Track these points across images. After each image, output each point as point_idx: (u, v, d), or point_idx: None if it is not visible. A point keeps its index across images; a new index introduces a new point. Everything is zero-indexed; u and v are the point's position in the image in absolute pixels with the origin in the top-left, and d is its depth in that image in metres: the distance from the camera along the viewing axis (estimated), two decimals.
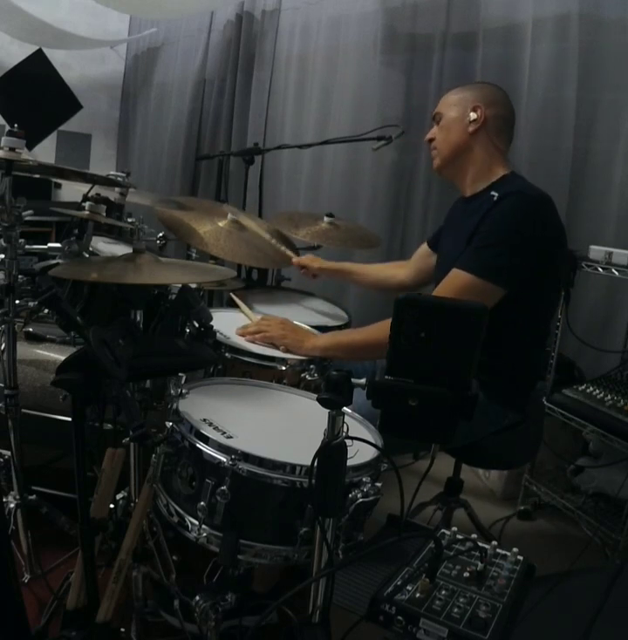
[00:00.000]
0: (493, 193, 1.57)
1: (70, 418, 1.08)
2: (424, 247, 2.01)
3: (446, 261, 1.77)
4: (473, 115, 1.64)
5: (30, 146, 4.06)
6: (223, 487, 1.05)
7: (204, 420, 1.18)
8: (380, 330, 1.59)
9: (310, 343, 1.63)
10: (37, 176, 1.84)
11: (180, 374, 1.24)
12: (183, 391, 1.23)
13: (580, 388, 2.09)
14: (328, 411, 0.95)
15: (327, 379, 0.93)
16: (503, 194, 1.54)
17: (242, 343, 1.61)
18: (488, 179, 1.65)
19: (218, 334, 1.55)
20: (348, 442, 0.97)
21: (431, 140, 1.76)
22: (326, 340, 1.66)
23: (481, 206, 1.58)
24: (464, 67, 2.66)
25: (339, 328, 2.03)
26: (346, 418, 0.96)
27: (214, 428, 1.16)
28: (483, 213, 1.54)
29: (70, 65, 4.52)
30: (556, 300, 1.68)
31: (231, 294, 2.00)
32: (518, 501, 2.36)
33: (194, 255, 2.32)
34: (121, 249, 2.08)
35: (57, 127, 4.48)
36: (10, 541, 1.31)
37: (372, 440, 1.18)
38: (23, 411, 1.60)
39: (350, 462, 0.99)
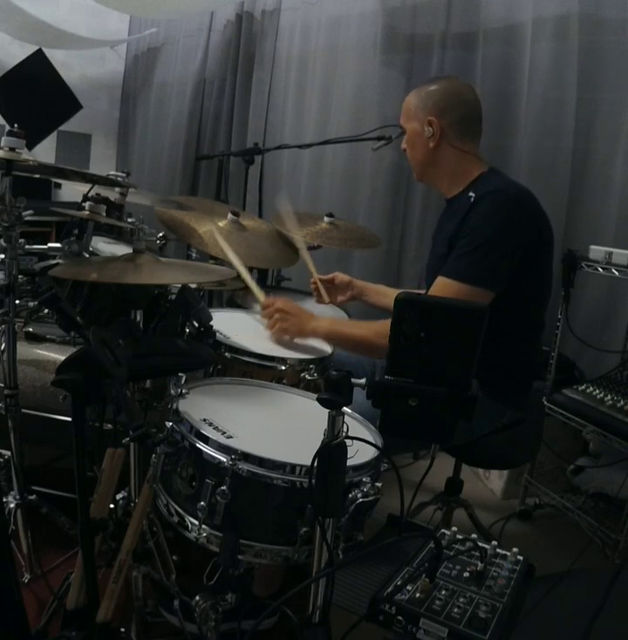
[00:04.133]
0: (470, 194, 1.58)
1: (70, 418, 1.08)
2: None
3: (431, 262, 1.78)
4: (429, 130, 1.64)
5: (30, 146, 4.06)
6: (223, 487, 1.05)
7: (204, 420, 1.18)
8: (378, 333, 1.59)
9: (311, 328, 1.67)
10: (37, 176, 1.84)
11: (180, 374, 1.24)
12: (183, 391, 1.23)
13: (580, 388, 2.08)
14: (328, 411, 0.95)
15: (327, 379, 0.93)
16: (480, 195, 1.54)
17: (242, 343, 1.60)
18: (465, 180, 1.66)
19: (218, 334, 1.55)
20: (348, 442, 0.97)
21: (404, 151, 1.79)
22: (327, 328, 1.68)
23: (460, 207, 1.59)
24: (464, 67, 2.65)
25: None
26: (346, 418, 0.96)
27: (214, 428, 1.16)
28: (463, 214, 1.54)
29: (70, 65, 4.53)
30: (549, 295, 1.68)
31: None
32: (518, 501, 2.36)
33: (194, 255, 2.32)
34: (121, 249, 2.08)
35: (57, 127, 4.48)
36: (10, 541, 1.31)
37: (372, 440, 1.18)
38: (23, 411, 1.60)
39: (350, 462, 0.99)
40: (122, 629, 1.38)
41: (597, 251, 2.03)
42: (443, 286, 1.52)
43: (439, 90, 1.67)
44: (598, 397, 2.02)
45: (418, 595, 0.99)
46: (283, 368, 1.55)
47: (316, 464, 0.96)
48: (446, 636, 0.92)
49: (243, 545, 1.07)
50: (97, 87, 4.76)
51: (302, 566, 1.10)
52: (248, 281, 1.83)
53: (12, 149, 1.42)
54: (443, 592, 1.00)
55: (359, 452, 1.07)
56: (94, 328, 1.07)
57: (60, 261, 1.66)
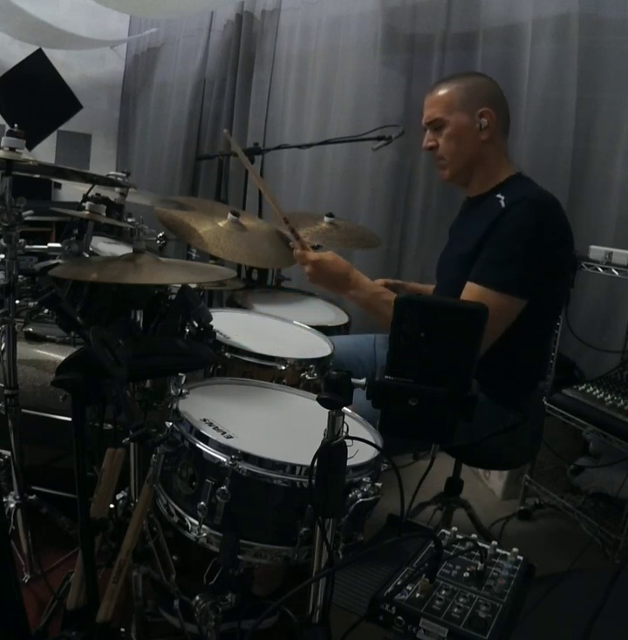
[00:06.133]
0: (499, 196, 1.55)
1: (70, 418, 1.08)
2: None
3: (447, 257, 1.77)
4: (484, 122, 1.58)
5: (30, 146, 4.06)
6: (223, 487, 1.05)
7: (204, 420, 1.18)
8: None
9: (351, 294, 1.63)
10: (37, 176, 1.84)
11: (180, 374, 1.24)
12: (183, 391, 1.23)
13: (580, 388, 2.08)
14: (328, 411, 0.95)
15: (327, 379, 0.93)
16: (512, 201, 1.51)
17: (242, 343, 1.60)
18: (495, 180, 1.63)
19: (218, 334, 1.55)
20: (348, 442, 0.97)
21: (431, 148, 1.67)
22: (367, 299, 1.61)
23: (487, 209, 1.56)
24: (464, 67, 2.65)
25: (339, 328, 2.03)
26: (346, 418, 0.96)
27: (214, 428, 1.16)
28: (493, 219, 1.52)
29: (70, 65, 4.53)
30: (563, 301, 1.67)
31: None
32: (518, 501, 2.36)
33: (194, 255, 2.32)
34: (121, 249, 2.08)
35: (57, 127, 4.48)
36: (10, 541, 1.31)
37: (372, 440, 1.18)
38: (23, 411, 1.60)
39: (350, 462, 0.99)
40: (122, 629, 1.38)
41: (597, 251, 2.03)
42: (477, 293, 1.49)
43: (485, 84, 1.64)
44: (598, 397, 2.02)
45: (418, 595, 0.99)
46: (283, 368, 1.54)
47: (316, 464, 0.96)
48: (446, 636, 0.92)
49: (243, 545, 1.07)
50: (97, 87, 4.77)
51: (302, 566, 1.10)
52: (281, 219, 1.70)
53: (12, 149, 1.42)
54: (443, 592, 1.00)
55: (359, 452, 1.07)
56: (94, 328, 1.07)
57: (60, 261, 1.66)
